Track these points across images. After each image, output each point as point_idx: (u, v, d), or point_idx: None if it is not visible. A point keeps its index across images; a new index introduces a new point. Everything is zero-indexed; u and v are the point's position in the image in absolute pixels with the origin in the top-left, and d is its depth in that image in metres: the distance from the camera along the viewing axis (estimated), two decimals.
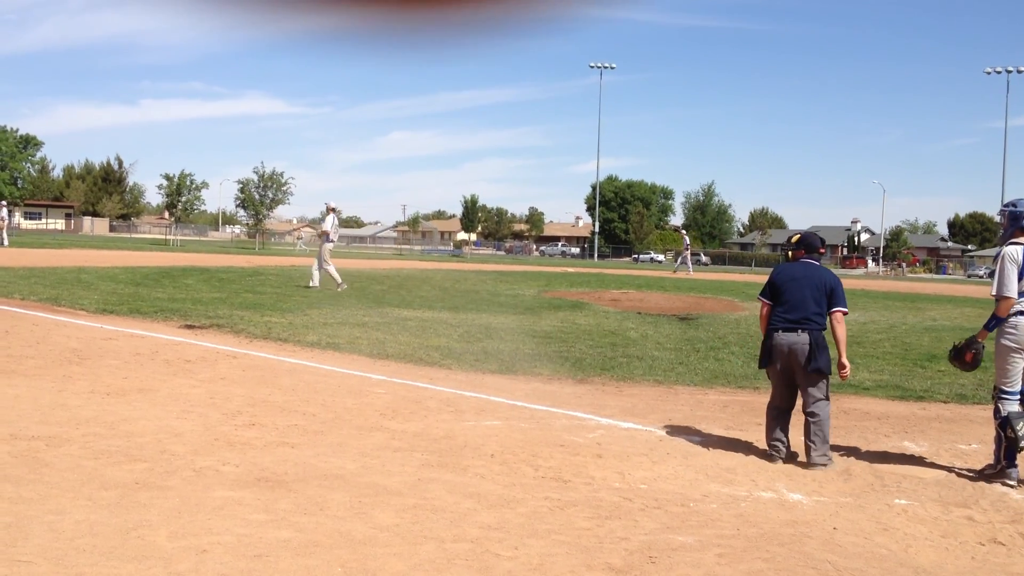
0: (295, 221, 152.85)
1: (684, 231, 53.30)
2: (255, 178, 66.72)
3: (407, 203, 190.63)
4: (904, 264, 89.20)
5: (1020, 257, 6.42)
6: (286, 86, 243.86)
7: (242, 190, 67.18)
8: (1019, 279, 6.40)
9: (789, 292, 7.05)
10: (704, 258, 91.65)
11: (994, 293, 6.50)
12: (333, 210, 21.91)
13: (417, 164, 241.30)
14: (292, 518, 4.81)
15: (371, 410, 8.00)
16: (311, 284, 21.16)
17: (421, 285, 25.23)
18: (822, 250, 7.39)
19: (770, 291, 7.20)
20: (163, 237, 74.02)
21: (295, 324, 14.05)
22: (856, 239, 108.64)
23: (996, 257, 6.65)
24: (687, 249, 49.52)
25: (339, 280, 20.93)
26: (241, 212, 72.43)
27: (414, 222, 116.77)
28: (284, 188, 67.90)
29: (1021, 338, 6.40)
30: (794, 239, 7.58)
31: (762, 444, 7.17)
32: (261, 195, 67.35)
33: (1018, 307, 6.42)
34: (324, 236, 21.54)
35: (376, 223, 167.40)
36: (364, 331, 13.62)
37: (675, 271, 48.23)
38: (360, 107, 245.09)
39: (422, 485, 5.65)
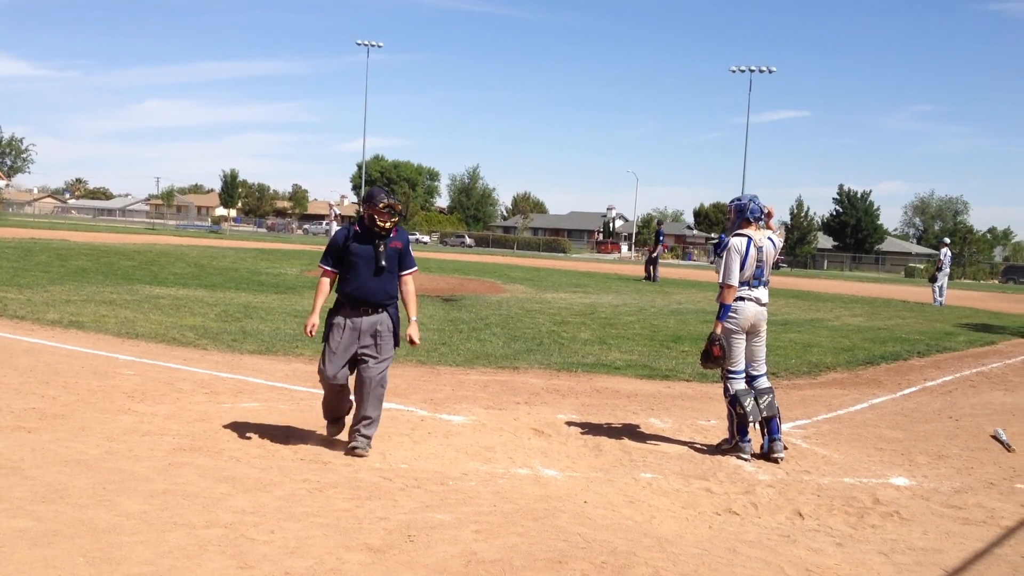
0: (36, 191, 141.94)
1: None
2: None
3: (161, 175, 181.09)
4: None
5: (744, 248, 6.92)
6: (30, 47, 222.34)
7: None
8: (741, 268, 6.90)
9: None
10: (468, 240, 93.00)
11: (720, 281, 7.00)
12: None
13: (174, 135, 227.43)
14: (29, 507, 4.47)
15: (118, 392, 7.58)
16: None
17: (175, 262, 24.09)
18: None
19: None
20: None
21: (34, 301, 13.06)
22: (611, 225, 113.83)
23: (722, 247, 7.13)
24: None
25: None
26: None
27: (168, 195, 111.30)
28: (24, 155, 62.85)
29: (741, 321, 6.93)
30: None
31: (520, 420, 7.41)
32: None
33: (740, 293, 6.93)
34: None
35: (127, 195, 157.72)
36: (111, 309, 12.86)
37: None
38: (112, 72, 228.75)
39: (173, 470, 5.41)
